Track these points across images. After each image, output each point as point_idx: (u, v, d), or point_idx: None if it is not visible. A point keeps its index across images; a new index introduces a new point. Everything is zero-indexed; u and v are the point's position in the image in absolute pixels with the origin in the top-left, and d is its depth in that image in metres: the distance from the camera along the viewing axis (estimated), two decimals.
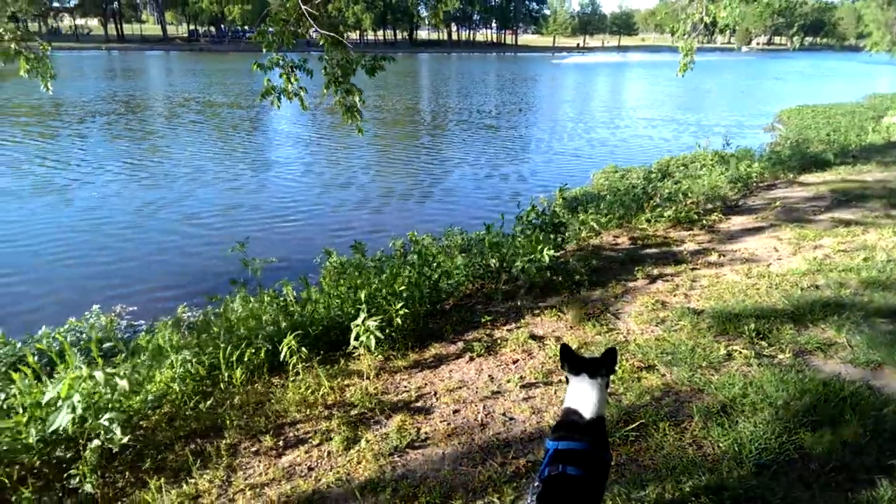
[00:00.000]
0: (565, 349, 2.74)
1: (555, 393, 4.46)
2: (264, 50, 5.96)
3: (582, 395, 2.66)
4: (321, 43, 6.36)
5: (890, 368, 4.57)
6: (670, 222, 8.76)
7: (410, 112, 30.61)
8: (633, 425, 3.99)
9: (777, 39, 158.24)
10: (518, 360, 5.00)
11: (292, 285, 5.95)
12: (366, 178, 16.11)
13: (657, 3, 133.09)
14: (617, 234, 8.52)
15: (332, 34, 6.10)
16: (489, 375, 4.77)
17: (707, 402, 4.25)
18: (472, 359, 5.07)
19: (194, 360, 4.49)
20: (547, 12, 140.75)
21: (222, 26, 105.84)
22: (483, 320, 5.76)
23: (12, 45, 5.62)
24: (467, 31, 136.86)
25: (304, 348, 4.67)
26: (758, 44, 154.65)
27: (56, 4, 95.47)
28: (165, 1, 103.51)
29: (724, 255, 7.39)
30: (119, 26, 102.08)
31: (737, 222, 8.94)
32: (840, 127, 21.61)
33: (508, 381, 4.63)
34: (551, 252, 6.16)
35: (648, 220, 8.71)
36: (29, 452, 3.49)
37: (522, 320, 5.77)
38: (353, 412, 4.26)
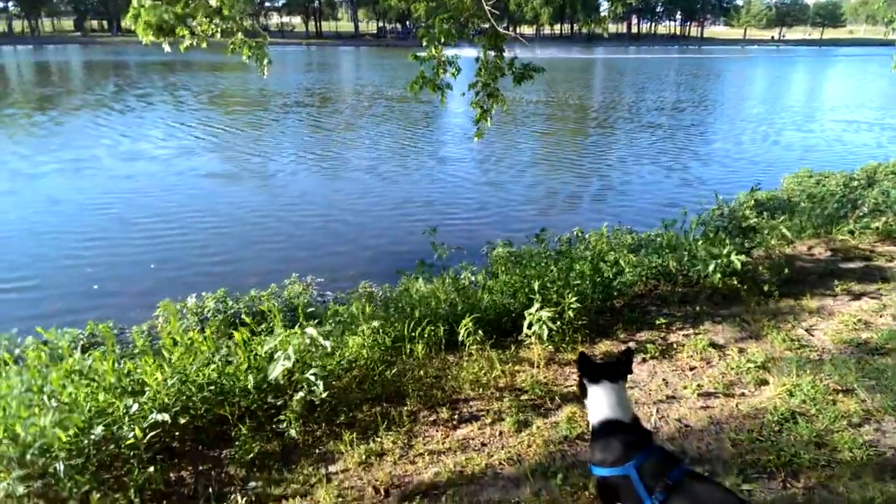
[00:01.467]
0: (583, 357, 2.73)
1: (736, 406, 4.22)
2: (424, 43, 6.16)
3: (614, 402, 2.60)
4: (479, 43, 6.42)
5: None
6: (879, 235, 7.77)
7: (581, 108, 30.05)
8: (825, 450, 3.68)
9: None
10: (695, 368, 4.79)
11: (470, 270, 6.24)
12: (532, 175, 16.15)
13: None
14: (812, 244, 7.74)
15: (504, 32, 6.18)
16: (663, 379, 4.63)
17: None
18: (644, 360, 4.94)
19: (381, 330, 4.89)
20: (739, 2, 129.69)
21: (408, 23, 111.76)
22: (657, 322, 5.57)
23: (238, 36, 6.40)
24: (648, 24, 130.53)
25: (479, 331, 4.86)
26: None
27: (267, 4, 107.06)
28: (359, 0, 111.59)
29: None
30: (318, 23, 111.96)
31: None
32: None
33: (685, 388, 4.46)
34: (741, 258, 5.77)
35: (852, 232, 7.80)
36: (247, 397, 4.04)
37: (701, 326, 5.50)
38: (524, 397, 4.38)
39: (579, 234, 8.96)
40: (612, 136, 22.00)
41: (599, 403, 2.62)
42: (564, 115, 27.83)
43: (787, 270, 6.48)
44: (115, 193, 13.62)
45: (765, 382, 4.50)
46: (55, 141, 19.26)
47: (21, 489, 3.12)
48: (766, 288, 6.02)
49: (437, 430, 4.00)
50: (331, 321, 5.41)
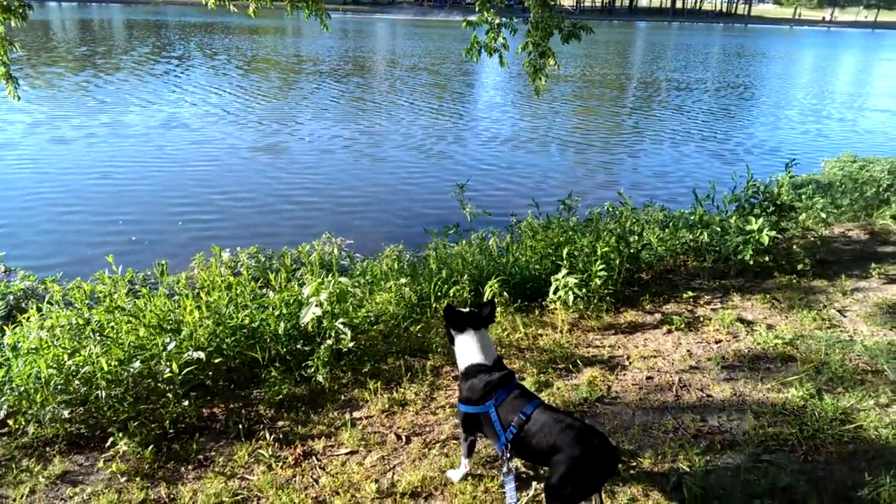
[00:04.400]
0: (449, 308, 3.07)
1: (760, 380, 4.21)
2: (477, 7, 6.24)
3: (477, 348, 2.95)
4: (527, 4, 6.43)
5: None
6: None
7: (619, 85, 29.46)
8: (850, 426, 3.65)
9: None
10: (721, 341, 4.77)
11: (497, 235, 6.26)
12: (565, 151, 15.92)
13: None
14: (850, 227, 7.58)
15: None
16: (687, 350, 4.63)
17: None
18: (669, 331, 4.95)
19: (408, 288, 4.96)
20: None
21: None
22: (685, 296, 5.55)
23: None
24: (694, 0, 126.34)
25: (504, 293, 4.91)
26: None
27: None
28: None
29: None
30: None
31: None
32: None
33: (709, 360, 4.46)
34: (772, 233, 5.69)
35: (894, 217, 7.61)
36: (277, 342, 4.17)
37: (730, 302, 5.47)
38: (545, 358, 4.42)
39: (610, 209, 8.86)
40: (649, 115, 21.52)
41: (465, 350, 2.98)
42: (601, 92, 27.30)
43: (821, 251, 6.37)
44: (148, 156, 13.71)
45: (792, 359, 4.47)
46: (91, 104, 19.45)
47: (66, 413, 3.29)
48: (799, 267, 5.93)
49: (457, 385, 4.07)
50: (360, 278, 5.51)
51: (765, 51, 55.01)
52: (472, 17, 6.56)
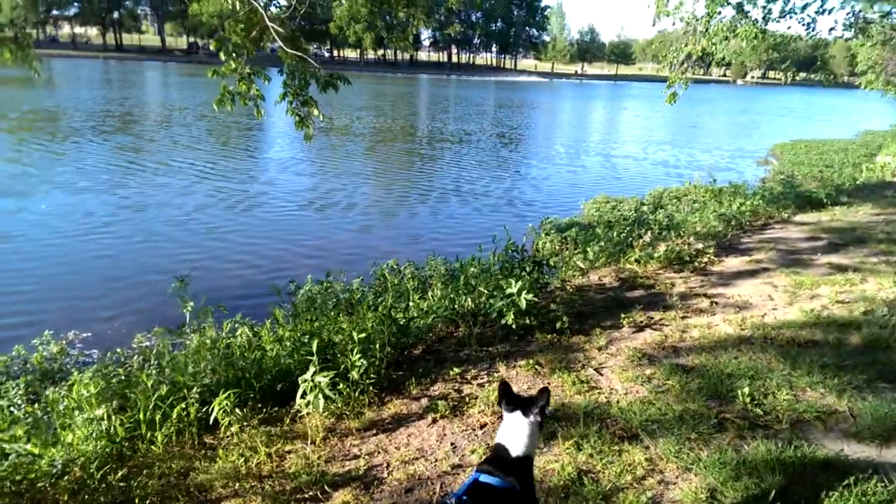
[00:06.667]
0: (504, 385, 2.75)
1: None
2: (222, 57, 5.69)
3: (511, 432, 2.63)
4: (279, 55, 6.05)
5: None
6: (661, 263, 8.27)
7: (402, 135, 30.21)
8: None
9: (771, 74, 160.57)
10: (486, 425, 4.45)
11: (251, 323, 5.43)
12: (351, 203, 15.55)
13: (655, 34, 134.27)
14: (604, 273, 8.01)
15: (296, 52, 5.72)
16: (452, 443, 4.21)
17: (695, 484, 3.72)
18: (434, 420, 4.51)
19: (114, 416, 3.92)
20: (546, 39, 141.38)
21: None
22: (452, 372, 5.21)
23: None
24: (468, 55, 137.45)
25: (238, 409, 4.09)
26: (752, 77, 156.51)
27: (55, 12, 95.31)
28: (166, 13, 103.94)
29: (716, 303, 6.88)
30: (118, 36, 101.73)
31: (730, 264, 8.47)
32: (834, 163, 21.35)
33: (472, 452, 4.08)
34: (530, 296, 5.63)
35: (638, 260, 8.22)
36: None
37: (496, 373, 5.23)
38: (290, 486, 3.69)
39: (383, 273, 8.45)
40: (430, 163, 22.14)
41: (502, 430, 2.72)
42: (386, 143, 27.65)
43: (579, 304, 6.53)
44: None
45: (553, 436, 4.27)
46: None
47: None
48: (558, 325, 5.94)
49: None
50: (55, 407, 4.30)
51: (534, 102, 61.07)
52: (221, 67, 6.00)
